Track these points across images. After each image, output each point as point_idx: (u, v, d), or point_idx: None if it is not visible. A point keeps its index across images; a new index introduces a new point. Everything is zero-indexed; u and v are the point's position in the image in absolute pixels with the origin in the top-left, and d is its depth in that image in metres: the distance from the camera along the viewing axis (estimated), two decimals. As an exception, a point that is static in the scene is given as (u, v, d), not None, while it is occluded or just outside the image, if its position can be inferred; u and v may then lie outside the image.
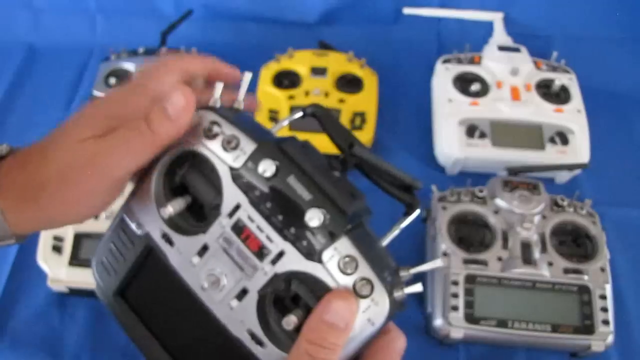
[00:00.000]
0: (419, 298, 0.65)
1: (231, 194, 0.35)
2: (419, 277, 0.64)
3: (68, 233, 0.64)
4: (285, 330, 0.35)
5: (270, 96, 0.78)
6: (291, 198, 0.34)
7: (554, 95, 0.77)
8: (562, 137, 0.73)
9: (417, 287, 0.35)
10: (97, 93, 0.77)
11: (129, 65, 0.80)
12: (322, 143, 0.41)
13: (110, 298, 0.41)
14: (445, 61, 0.80)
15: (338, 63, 0.81)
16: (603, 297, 0.60)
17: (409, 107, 0.83)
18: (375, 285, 0.34)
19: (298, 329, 0.35)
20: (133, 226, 0.38)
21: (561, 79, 0.77)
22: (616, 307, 0.61)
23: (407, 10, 0.91)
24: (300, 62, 0.80)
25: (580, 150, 0.73)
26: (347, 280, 0.34)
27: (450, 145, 0.73)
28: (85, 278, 0.62)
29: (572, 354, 0.62)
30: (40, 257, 0.63)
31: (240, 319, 0.36)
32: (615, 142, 0.79)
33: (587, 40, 0.88)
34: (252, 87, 0.79)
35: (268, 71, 0.80)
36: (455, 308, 0.59)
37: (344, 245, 0.34)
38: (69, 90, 0.85)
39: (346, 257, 0.34)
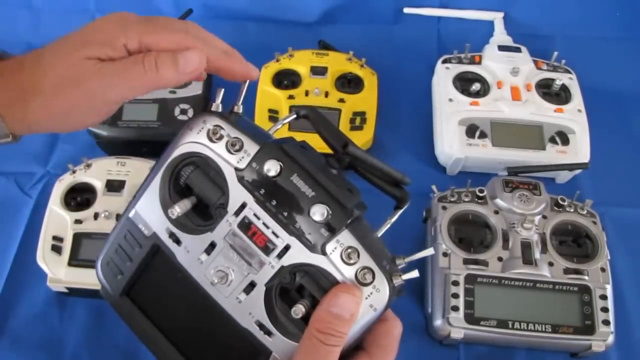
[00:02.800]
0: (419, 298, 0.65)
1: (237, 194, 0.38)
2: (420, 272, 0.64)
3: (67, 233, 0.64)
4: (293, 319, 0.38)
5: (270, 96, 0.78)
6: (295, 195, 0.37)
7: (555, 95, 0.77)
8: (563, 137, 0.73)
9: (414, 274, 0.37)
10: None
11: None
12: (318, 143, 0.42)
13: (117, 298, 0.43)
14: (445, 61, 0.80)
15: (338, 63, 0.81)
16: (603, 297, 0.60)
17: (409, 107, 0.83)
18: (376, 273, 0.36)
19: (304, 318, 0.37)
20: (140, 227, 0.40)
21: (562, 79, 0.77)
22: (616, 307, 0.61)
23: (407, 10, 0.91)
24: (300, 62, 0.80)
25: (580, 150, 0.73)
26: (349, 270, 0.36)
27: (450, 145, 0.73)
28: (84, 278, 0.62)
29: (573, 354, 0.62)
30: (39, 257, 0.63)
31: (248, 311, 0.38)
32: (615, 142, 0.79)
33: (587, 40, 0.88)
34: (252, 87, 0.79)
35: (268, 71, 0.80)
36: (455, 308, 0.59)
37: (345, 238, 0.37)
38: (69, 90, 0.85)
39: (348, 249, 0.36)
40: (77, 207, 0.66)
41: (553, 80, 0.77)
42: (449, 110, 0.75)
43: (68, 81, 0.38)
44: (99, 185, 0.67)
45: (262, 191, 0.37)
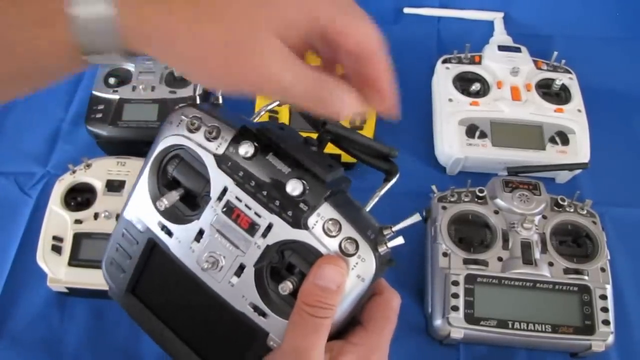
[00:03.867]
0: (419, 298, 0.65)
1: (217, 179, 0.38)
2: (420, 272, 0.64)
3: (67, 233, 0.64)
4: (284, 298, 0.38)
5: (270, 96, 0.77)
6: (272, 173, 0.37)
7: (555, 95, 0.77)
8: (563, 137, 0.73)
9: (399, 240, 0.37)
10: (96, 93, 0.76)
11: (129, 65, 0.80)
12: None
13: (123, 296, 0.43)
14: (445, 61, 0.80)
15: (338, 63, 0.80)
16: (603, 297, 0.60)
17: (409, 107, 0.83)
18: (360, 243, 0.36)
19: (295, 294, 0.37)
20: (134, 223, 0.41)
21: (561, 79, 0.77)
22: (616, 307, 0.61)
23: (407, 10, 0.91)
24: (300, 62, 0.80)
25: (580, 150, 0.73)
26: (333, 242, 0.36)
27: (450, 145, 0.73)
28: (84, 278, 0.62)
29: (573, 354, 0.62)
30: (39, 257, 0.63)
31: (241, 294, 0.38)
32: (615, 142, 0.79)
33: (587, 40, 0.88)
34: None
35: (268, 71, 0.80)
36: (455, 308, 0.59)
37: (326, 210, 0.36)
38: (69, 90, 0.85)
39: (329, 221, 0.36)
40: (77, 207, 0.66)
41: (553, 80, 0.77)
42: (449, 110, 0.75)
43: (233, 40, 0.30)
44: (99, 185, 0.67)
45: (241, 173, 0.38)
